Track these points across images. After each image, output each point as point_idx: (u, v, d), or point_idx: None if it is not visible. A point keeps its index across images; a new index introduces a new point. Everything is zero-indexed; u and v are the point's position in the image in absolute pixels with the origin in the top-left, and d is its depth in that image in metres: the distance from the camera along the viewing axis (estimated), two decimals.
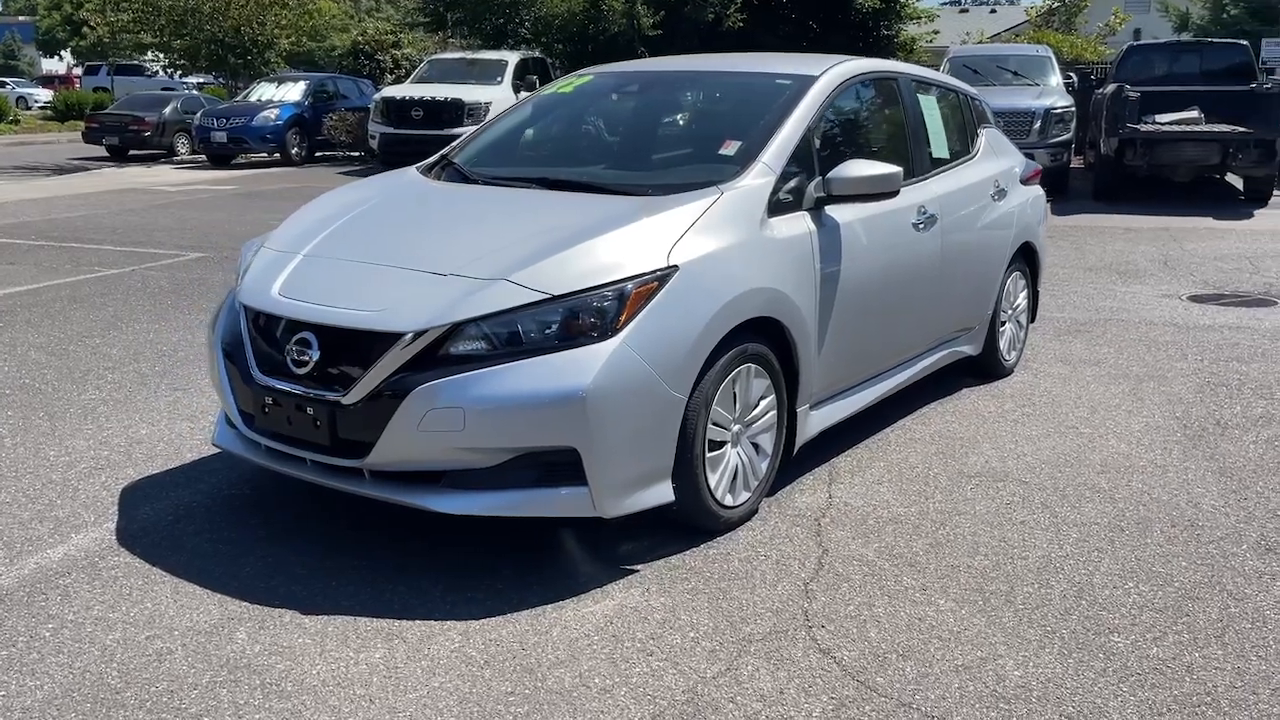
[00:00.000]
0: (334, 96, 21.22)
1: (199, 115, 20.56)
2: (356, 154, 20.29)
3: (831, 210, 4.09)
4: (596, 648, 2.97)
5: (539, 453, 3.23)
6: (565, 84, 5.24)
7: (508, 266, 3.36)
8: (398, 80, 23.06)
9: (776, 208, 3.89)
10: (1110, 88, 13.24)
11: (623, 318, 3.27)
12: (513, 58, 18.64)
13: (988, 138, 5.65)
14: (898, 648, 2.97)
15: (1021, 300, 5.84)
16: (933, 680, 2.81)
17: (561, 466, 3.24)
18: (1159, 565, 3.48)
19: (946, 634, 3.04)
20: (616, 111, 5.06)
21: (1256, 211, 12.39)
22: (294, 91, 20.68)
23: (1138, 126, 12.50)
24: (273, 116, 19.71)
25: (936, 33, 24.53)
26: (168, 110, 21.84)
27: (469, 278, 3.36)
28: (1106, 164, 13.03)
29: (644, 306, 3.31)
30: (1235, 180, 13.97)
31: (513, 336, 3.24)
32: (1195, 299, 7.69)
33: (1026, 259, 5.80)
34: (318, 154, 20.83)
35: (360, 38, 28.44)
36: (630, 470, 3.33)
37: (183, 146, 21.92)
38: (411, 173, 4.71)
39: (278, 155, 20.02)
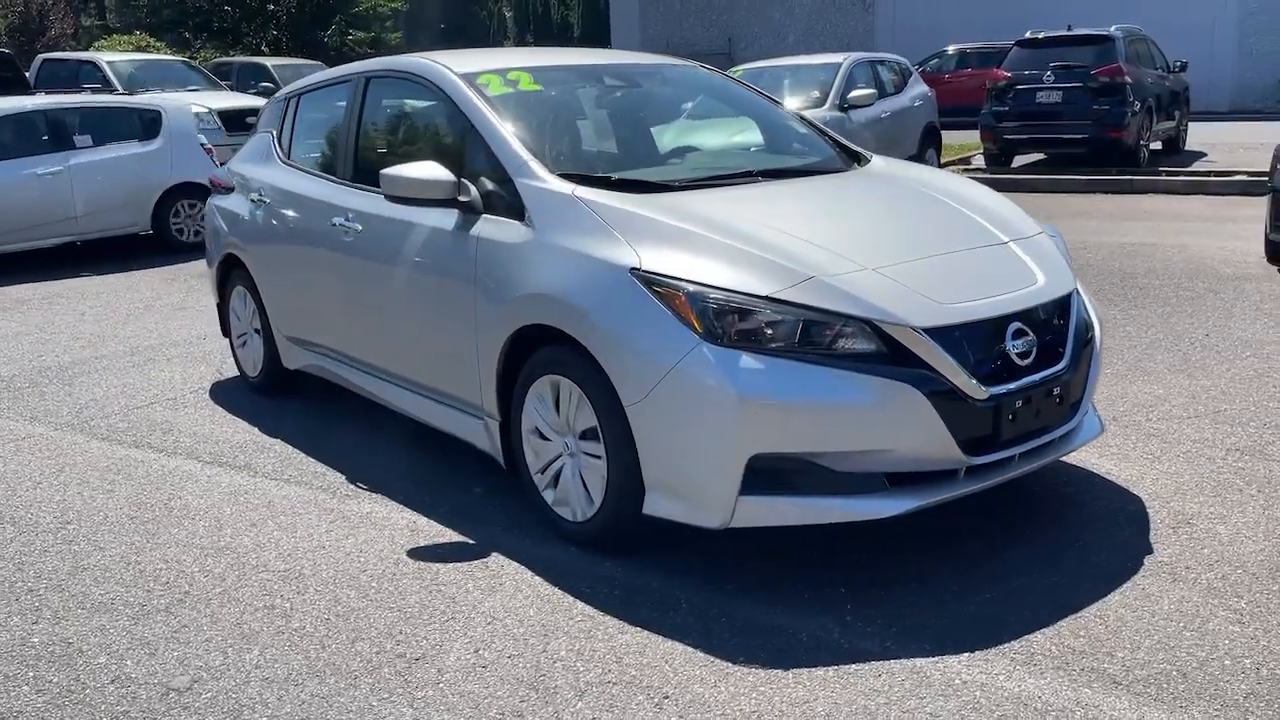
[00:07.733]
0: None
1: None
2: None
3: None
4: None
5: None
6: (513, 81, 4.61)
7: (1023, 226, 4.08)
8: None
9: None
10: None
11: None
12: None
13: None
14: None
15: None
16: None
17: None
18: None
19: None
20: (627, 105, 5.04)
21: None
22: None
23: None
24: None
25: None
26: None
27: (1023, 239, 3.97)
28: None
29: None
30: None
31: None
32: None
33: None
34: None
35: None
36: None
37: None
38: (579, 189, 3.91)
39: None
